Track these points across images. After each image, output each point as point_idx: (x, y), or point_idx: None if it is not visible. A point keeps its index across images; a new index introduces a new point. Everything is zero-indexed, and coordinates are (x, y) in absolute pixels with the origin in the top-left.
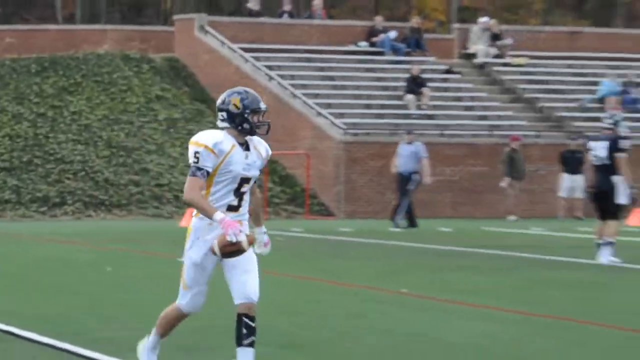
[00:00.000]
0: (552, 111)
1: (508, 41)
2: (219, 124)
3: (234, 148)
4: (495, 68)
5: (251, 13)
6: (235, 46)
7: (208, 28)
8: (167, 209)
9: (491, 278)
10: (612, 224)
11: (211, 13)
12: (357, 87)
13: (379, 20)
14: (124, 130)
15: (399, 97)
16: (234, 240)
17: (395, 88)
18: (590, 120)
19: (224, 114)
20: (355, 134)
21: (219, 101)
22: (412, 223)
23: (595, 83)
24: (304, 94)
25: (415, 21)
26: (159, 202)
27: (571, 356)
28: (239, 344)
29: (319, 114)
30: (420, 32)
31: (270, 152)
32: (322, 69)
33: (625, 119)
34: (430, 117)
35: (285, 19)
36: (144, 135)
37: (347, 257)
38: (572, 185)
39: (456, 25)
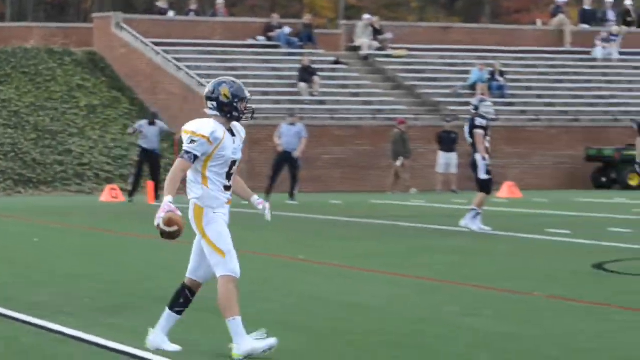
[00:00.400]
0: (428, 97)
1: (389, 35)
2: (208, 112)
3: (225, 134)
4: (378, 59)
5: (161, 11)
6: (147, 41)
7: (123, 25)
8: (88, 186)
9: (379, 245)
10: (477, 195)
11: (126, 11)
12: (256, 77)
13: (275, 18)
14: (49, 116)
15: (293, 85)
16: (155, 223)
17: (289, 77)
18: (462, 105)
19: (214, 103)
20: (255, 118)
21: (207, 91)
22: (268, 192)
23: (466, 72)
24: (209, 83)
25: (307, 18)
26: (80, 180)
27: (445, 312)
28: (172, 308)
29: None
30: (311, 28)
31: (245, 134)
32: (224, 60)
33: (494, 103)
34: (320, 102)
35: (191, 17)
36: (67, 120)
37: (251, 229)
38: (447, 162)
39: (343, 22)
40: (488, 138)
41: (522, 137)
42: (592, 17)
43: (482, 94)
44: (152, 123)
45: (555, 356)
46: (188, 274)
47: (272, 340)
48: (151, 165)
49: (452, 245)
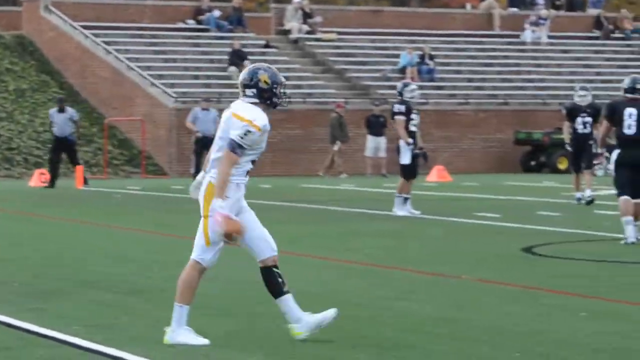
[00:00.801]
0: (358, 81)
1: (318, 19)
2: (246, 99)
3: None
4: (308, 43)
5: None
6: (76, 24)
7: (52, 8)
8: (17, 171)
9: (310, 229)
10: (399, 181)
11: None
12: (186, 60)
13: (204, 1)
14: None
15: (224, 69)
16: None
17: (219, 61)
18: (391, 89)
19: (254, 90)
20: (185, 102)
21: (244, 78)
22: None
23: (395, 56)
24: (139, 67)
25: (237, 1)
26: (9, 164)
27: (377, 296)
28: (280, 293)
29: (153, 84)
30: (241, 11)
31: None
32: (154, 44)
33: (423, 87)
34: None
35: (121, 0)
36: None
37: (180, 212)
38: (376, 146)
39: (273, 5)
40: (415, 122)
41: (451, 120)
42: (521, 1)
43: (412, 78)
44: (61, 110)
45: (484, 339)
46: (261, 257)
47: (204, 341)
48: (67, 152)
49: (383, 229)
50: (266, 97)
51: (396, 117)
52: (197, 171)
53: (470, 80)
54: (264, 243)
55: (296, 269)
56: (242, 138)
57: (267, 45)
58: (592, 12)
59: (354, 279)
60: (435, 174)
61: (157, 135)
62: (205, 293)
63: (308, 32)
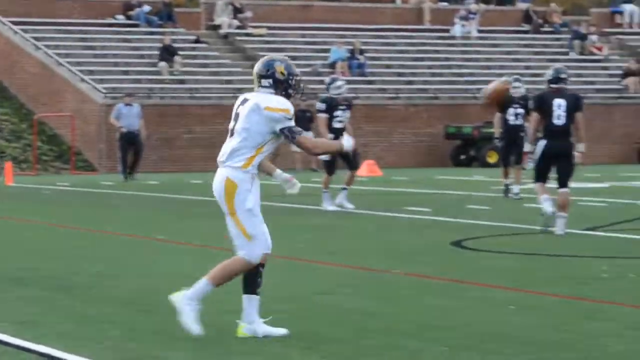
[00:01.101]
0: None
1: (248, 14)
2: (262, 90)
3: None
4: (238, 38)
5: None
6: (5, 20)
7: None
8: None
9: None
10: (324, 177)
11: None
12: (116, 56)
13: None
14: None
15: (154, 64)
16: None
17: (150, 56)
18: (322, 84)
19: (270, 80)
20: (115, 98)
21: (260, 69)
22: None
23: (326, 50)
24: (68, 62)
25: None
26: None
27: (305, 290)
28: (252, 292)
29: (82, 80)
30: (171, 6)
31: None
32: (84, 39)
33: (354, 81)
34: (181, 81)
35: None
36: None
37: (108, 207)
38: None
39: (203, 0)
40: (340, 119)
41: (381, 115)
42: None
43: (342, 73)
44: None
45: (411, 333)
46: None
47: (198, 330)
48: None
49: (313, 224)
50: (282, 87)
51: (318, 115)
52: (125, 167)
53: (400, 74)
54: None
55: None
56: (290, 122)
57: (197, 41)
58: (522, 6)
59: (282, 274)
60: (366, 169)
61: (86, 131)
62: (137, 288)
63: (238, 27)
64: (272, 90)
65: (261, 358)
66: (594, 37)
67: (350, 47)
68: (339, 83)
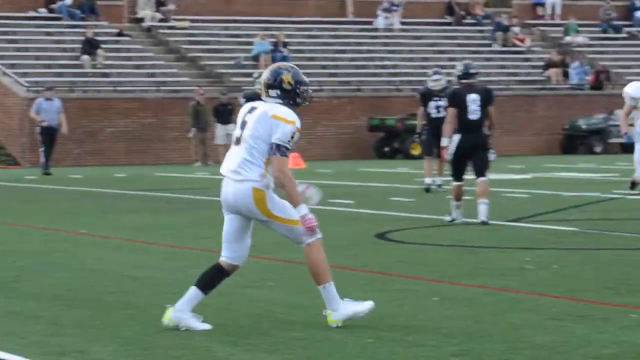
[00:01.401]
0: (212, 68)
1: (171, 6)
2: (270, 100)
3: None
4: (161, 31)
5: None
6: None
7: None
8: None
9: (164, 218)
10: None
11: None
12: (38, 50)
13: None
14: None
15: (76, 58)
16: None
17: (72, 49)
18: (245, 76)
19: (277, 91)
20: (37, 91)
21: (267, 79)
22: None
23: (249, 43)
24: None
25: None
26: None
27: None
28: (203, 290)
29: (5, 73)
30: None
31: None
32: (6, 33)
33: None
34: (104, 75)
35: None
36: None
37: (32, 201)
38: (226, 133)
39: None
40: None
41: (305, 107)
42: None
43: (266, 66)
44: None
45: (337, 325)
46: (227, 260)
47: (370, 304)
48: None
49: None
50: (290, 97)
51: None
52: (47, 160)
53: (323, 67)
54: (244, 252)
55: (150, 257)
56: (289, 141)
57: (120, 34)
58: None
59: (206, 267)
60: (290, 161)
61: (9, 125)
62: (61, 283)
63: (161, 20)
64: (280, 101)
65: (185, 352)
66: (516, 29)
67: (274, 40)
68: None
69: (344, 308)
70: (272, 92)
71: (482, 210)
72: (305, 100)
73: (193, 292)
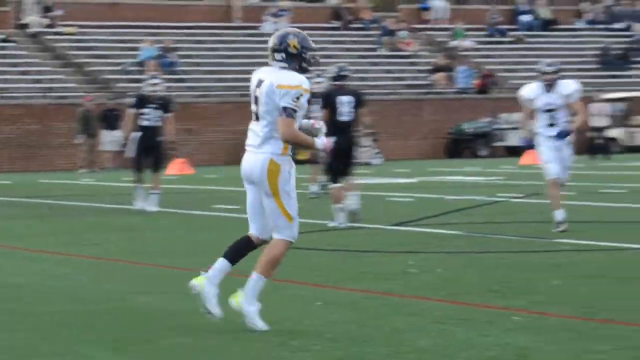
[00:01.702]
0: (99, 74)
1: (58, 12)
2: (276, 64)
3: None
4: (48, 37)
5: None
6: None
7: None
8: None
9: (48, 225)
10: (154, 176)
11: None
12: None
13: None
14: None
15: None
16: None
17: None
18: (132, 82)
19: (282, 54)
20: None
21: (274, 43)
22: None
23: (136, 49)
24: None
25: None
26: None
27: (117, 291)
28: (231, 262)
29: None
30: None
31: None
32: None
33: (166, 79)
34: None
35: None
36: None
37: None
38: (113, 140)
39: None
40: (150, 117)
41: (193, 113)
42: None
43: (154, 71)
44: None
45: (220, 331)
46: (255, 234)
47: (264, 328)
48: None
49: (121, 224)
50: (296, 62)
51: (127, 109)
52: None
53: (211, 72)
54: (270, 226)
55: (35, 265)
56: (295, 102)
57: (5, 40)
58: (332, 2)
59: (90, 274)
60: (177, 167)
61: None
62: None
63: (48, 26)
64: (285, 65)
65: (69, 359)
66: (403, 33)
67: (161, 45)
68: (153, 81)
69: (253, 307)
70: (278, 56)
71: (353, 200)
72: (311, 65)
73: (222, 263)
